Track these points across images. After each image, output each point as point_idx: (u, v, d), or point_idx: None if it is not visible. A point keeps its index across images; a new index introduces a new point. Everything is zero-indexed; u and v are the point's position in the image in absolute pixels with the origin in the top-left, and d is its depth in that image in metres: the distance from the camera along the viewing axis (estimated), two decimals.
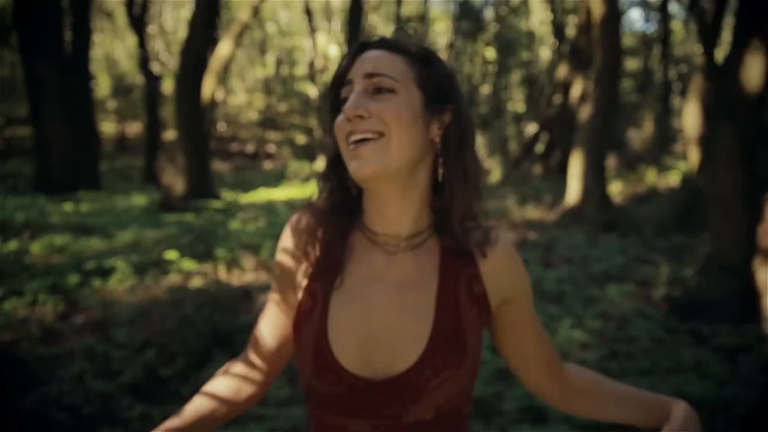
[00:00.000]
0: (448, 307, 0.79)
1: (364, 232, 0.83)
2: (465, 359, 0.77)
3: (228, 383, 0.92)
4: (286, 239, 0.87)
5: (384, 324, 0.78)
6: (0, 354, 3.13)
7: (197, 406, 0.90)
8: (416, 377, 0.75)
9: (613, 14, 7.51)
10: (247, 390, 0.92)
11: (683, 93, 14.82)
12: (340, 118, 0.78)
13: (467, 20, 17.75)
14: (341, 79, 0.82)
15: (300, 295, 0.84)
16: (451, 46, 19.06)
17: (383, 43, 0.82)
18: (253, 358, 0.92)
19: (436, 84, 0.81)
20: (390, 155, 0.76)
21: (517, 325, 0.88)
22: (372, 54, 0.80)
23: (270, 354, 0.90)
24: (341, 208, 0.84)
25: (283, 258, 0.87)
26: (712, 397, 2.81)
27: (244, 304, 4.03)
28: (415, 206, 0.81)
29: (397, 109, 0.76)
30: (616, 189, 10.20)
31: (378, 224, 0.82)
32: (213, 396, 0.91)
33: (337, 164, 0.83)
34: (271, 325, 0.90)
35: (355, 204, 0.84)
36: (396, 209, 0.80)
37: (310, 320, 0.80)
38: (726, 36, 7.46)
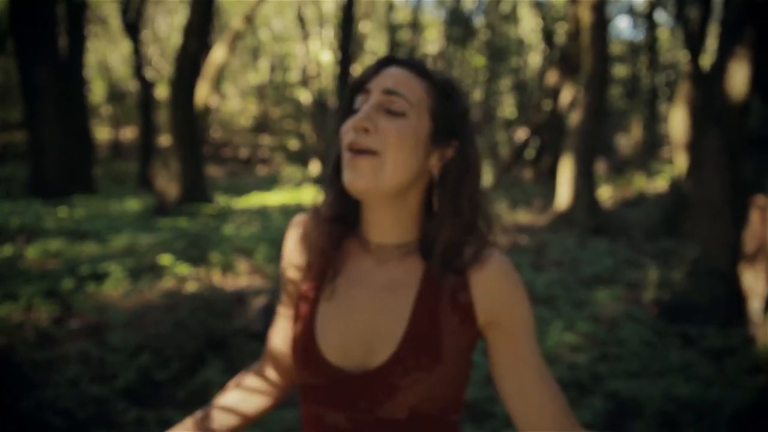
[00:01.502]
0: (425, 311, 0.80)
1: (359, 240, 0.86)
2: (437, 363, 0.78)
3: (241, 396, 0.95)
4: (286, 249, 0.92)
5: (362, 322, 0.81)
6: None
7: (208, 417, 0.93)
8: (388, 374, 0.78)
9: (601, 22, 7.63)
10: (260, 402, 0.95)
11: (670, 99, 14.98)
12: (348, 124, 0.81)
13: (458, 27, 17.88)
14: (361, 85, 0.84)
15: (298, 293, 0.89)
16: (442, 53, 19.17)
17: (410, 64, 0.83)
18: (267, 370, 0.96)
19: (448, 117, 0.83)
20: (383, 175, 0.78)
21: (507, 353, 0.82)
22: (397, 71, 0.82)
23: (283, 365, 0.94)
24: (342, 215, 0.86)
25: (285, 268, 0.92)
26: (700, 399, 2.86)
27: (238, 309, 4.05)
28: (402, 223, 0.84)
29: (403, 133, 0.78)
30: (605, 193, 10.30)
31: (370, 233, 0.85)
32: (226, 408, 0.94)
33: (340, 168, 0.86)
34: (281, 335, 0.93)
35: (357, 211, 0.87)
36: (383, 221, 0.83)
37: (300, 315, 0.86)
38: (711, 43, 7.59)
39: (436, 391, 0.79)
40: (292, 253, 0.91)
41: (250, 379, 0.96)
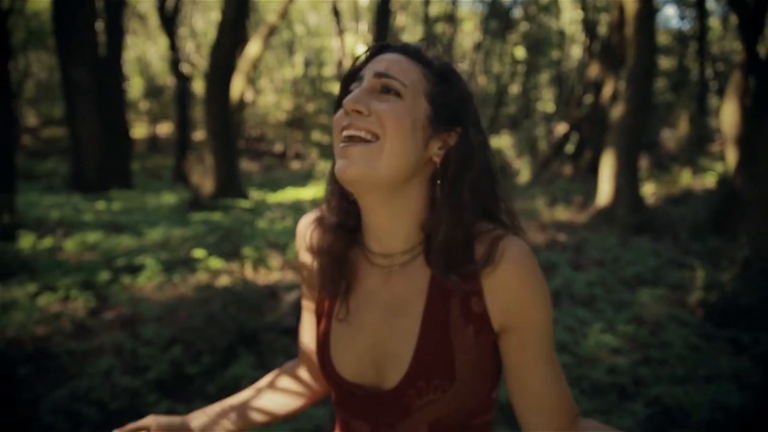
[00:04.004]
0: (434, 329, 0.75)
1: (363, 250, 0.82)
2: (451, 383, 0.74)
3: (272, 395, 0.96)
4: (299, 246, 0.90)
5: (372, 344, 0.79)
6: (34, 348, 3.19)
7: (238, 409, 0.95)
8: (401, 397, 0.75)
9: (647, 11, 7.33)
10: (291, 402, 0.97)
11: (720, 91, 14.38)
12: (339, 112, 0.77)
13: (496, 19, 17.58)
14: (353, 75, 0.80)
15: (316, 300, 0.88)
16: (479, 45, 18.90)
17: (403, 49, 0.79)
18: (300, 370, 0.97)
19: (448, 102, 0.77)
20: (379, 161, 0.72)
21: (517, 362, 0.76)
22: (389, 56, 0.78)
23: (315, 361, 0.93)
24: (345, 221, 0.82)
25: (301, 267, 0.91)
26: (751, 409, 2.70)
27: (270, 303, 4.04)
28: (404, 224, 0.77)
29: (398, 114, 0.73)
30: (649, 190, 9.95)
31: (372, 242, 0.80)
32: (256, 406, 0.95)
33: None
34: (309, 332, 0.94)
35: (356, 221, 0.82)
36: (384, 224, 0.77)
37: (318, 331, 0.85)
38: None
39: (454, 406, 0.76)
40: (305, 256, 0.89)
41: (283, 379, 0.96)
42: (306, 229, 0.87)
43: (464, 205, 0.75)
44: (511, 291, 0.74)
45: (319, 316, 0.86)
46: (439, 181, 0.77)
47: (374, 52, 0.80)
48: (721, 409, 2.73)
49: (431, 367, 0.74)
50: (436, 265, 0.75)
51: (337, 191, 0.83)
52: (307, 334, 0.93)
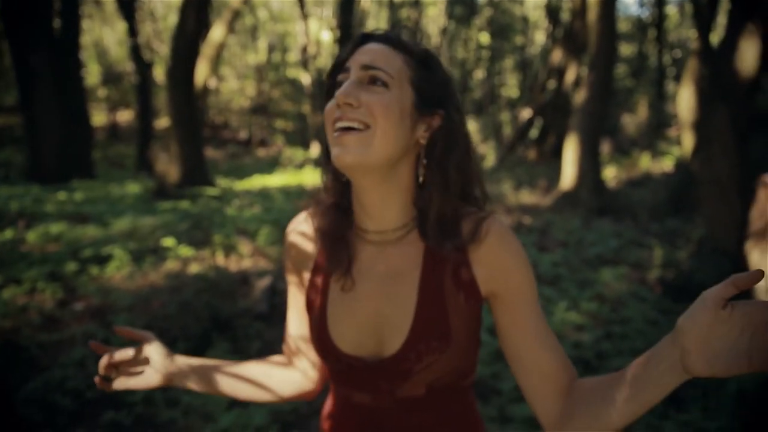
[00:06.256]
0: (430, 296, 0.81)
1: (356, 231, 0.87)
2: (448, 344, 0.80)
3: (255, 379, 1.00)
4: (290, 247, 0.94)
5: (371, 313, 0.83)
6: (2, 341, 3.13)
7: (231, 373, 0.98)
8: (402, 361, 0.80)
9: None
10: (269, 392, 1.00)
11: (677, 78, 14.83)
12: (331, 103, 0.80)
13: (460, 5, 17.64)
14: (340, 66, 0.83)
15: (306, 288, 0.91)
16: (444, 31, 18.95)
17: (385, 38, 0.83)
18: (285, 365, 1.01)
19: (430, 87, 0.82)
20: (372, 148, 0.77)
21: (506, 320, 0.82)
22: (373, 47, 0.81)
23: (304, 355, 0.99)
24: (339, 200, 0.87)
25: (290, 266, 0.95)
26: (705, 376, 2.86)
27: (242, 290, 4.04)
28: (396, 202, 0.83)
29: (387, 104, 0.77)
30: (610, 174, 10.25)
31: (365, 221, 0.85)
32: (234, 382, 0.98)
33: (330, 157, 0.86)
34: (298, 325, 0.98)
35: (348, 203, 0.87)
36: (377, 203, 0.83)
37: (313, 310, 0.88)
38: (721, 20, 7.47)
39: (449, 367, 0.82)
40: (297, 250, 0.92)
41: (268, 368, 1.00)
42: (298, 228, 0.92)
43: (451, 181, 0.82)
44: (496, 260, 0.82)
45: (311, 299, 0.89)
46: (425, 161, 0.82)
47: (358, 42, 0.83)
48: None
49: (430, 330, 0.80)
50: (432, 237, 0.82)
51: (330, 174, 0.88)
52: (295, 327, 0.97)
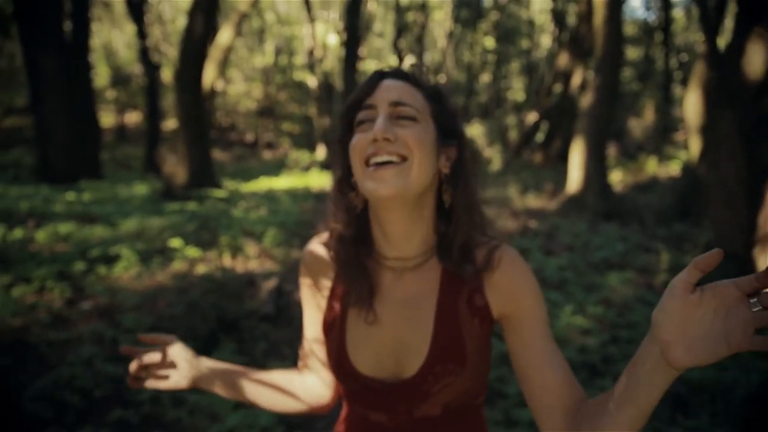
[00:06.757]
0: (446, 320, 0.85)
1: (374, 257, 0.90)
2: (464, 367, 0.84)
3: (277, 388, 1.02)
4: (303, 273, 0.97)
5: (390, 337, 0.87)
6: (12, 339, 3.16)
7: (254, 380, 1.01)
8: (420, 383, 0.84)
9: (614, 2, 7.50)
10: (291, 402, 1.02)
11: (684, 81, 14.78)
12: (362, 138, 0.83)
13: (466, 9, 17.66)
14: (359, 103, 0.86)
15: (324, 311, 0.94)
16: (450, 35, 18.97)
17: (402, 75, 0.87)
18: (306, 378, 1.03)
19: (447, 119, 0.88)
20: (410, 179, 0.81)
21: (518, 344, 0.85)
22: (394, 83, 0.85)
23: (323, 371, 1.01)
24: (355, 232, 0.90)
25: (304, 289, 0.98)
26: (713, 381, 2.85)
27: (249, 291, 4.06)
28: (419, 230, 0.87)
29: (420, 136, 0.82)
30: (616, 178, 10.22)
31: (386, 249, 0.89)
32: (257, 390, 1.01)
33: (345, 189, 0.90)
34: (315, 353, 1.00)
35: (365, 232, 0.90)
36: (401, 232, 0.86)
37: (332, 333, 0.91)
38: (728, 23, 7.44)
39: (464, 388, 0.86)
40: (314, 274, 0.96)
41: (290, 378, 1.02)
42: (314, 252, 0.95)
43: (474, 208, 0.88)
44: (508, 285, 0.86)
45: (330, 323, 0.92)
46: (450, 190, 0.87)
47: (375, 80, 0.87)
48: (684, 383, 2.88)
49: (446, 353, 0.84)
50: (454, 261, 0.87)
51: (342, 207, 0.90)
52: (311, 354, 1.00)
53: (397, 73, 0.87)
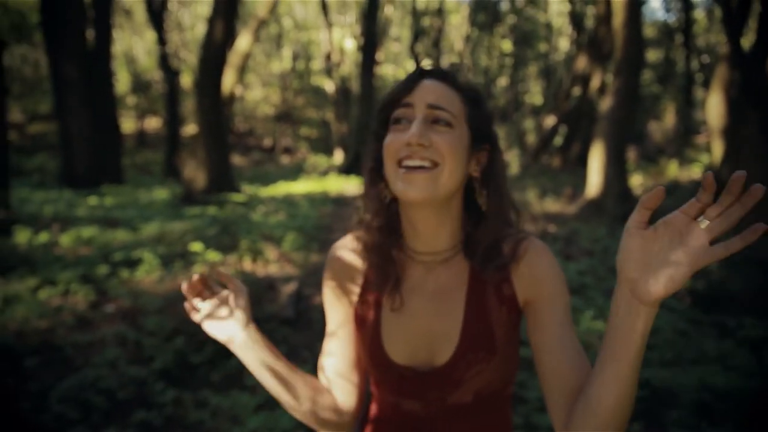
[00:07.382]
0: (476, 310, 0.88)
1: (404, 251, 0.92)
2: (494, 355, 0.86)
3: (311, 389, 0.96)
4: (328, 275, 0.97)
5: (422, 327, 0.90)
6: (38, 340, 3.23)
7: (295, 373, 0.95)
8: (452, 371, 0.87)
9: (634, 3, 7.43)
10: (316, 407, 0.95)
11: (706, 84, 14.56)
12: (397, 139, 0.84)
13: (483, 12, 17.64)
14: (398, 100, 0.87)
15: (356, 305, 0.95)
16: (467, 38, 18.95)
17: (443, 76, 0.88)
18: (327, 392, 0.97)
19: (482, 124, 0.89)
20: (439, 184, 0.83)
21: (535, 326, 0.86)
22: (434, 85, 0.86)
23: (342, 388, 0.97)
24: (386, 222, 0.92)
25: (332, 290, 0.97)
26: (737, 389, 2.81)
27: (268, 295, 4.09)
28: (448, 227, 0.90)
29: (453, 144, 0.83)
30: (636, 182, 10.11)
31: (416, 243, 0.91)
32: (296, 383, 0.94)
33: (375, 180, 0.91)
34: (340, 356, 0.97)
35: (395, 223, 0.92)
36: (431, 229, 0.89)
37: (366, 324, 0.93)
38: (752, 24, 7.33)
39: (494, 375, 0.89)
40: (344, 266, 0.96)
41: (320, 385, 0.97)
42: (342, 252, 0.96)
43: (504, 210, 0.90)
44: (532, 272, 0.88)
45: (363, 314, 0.93)
46: (483, 193, 0.90)
47: (416, 78, 0.87)
48: (708, 390, 2.83)
49: (477, 341, 0.87)
50: (480, 260, 0.89)
51: (373, 197, 0.92)
52: (335, 360, 0.95)
53: (437, 74, 0.88)
